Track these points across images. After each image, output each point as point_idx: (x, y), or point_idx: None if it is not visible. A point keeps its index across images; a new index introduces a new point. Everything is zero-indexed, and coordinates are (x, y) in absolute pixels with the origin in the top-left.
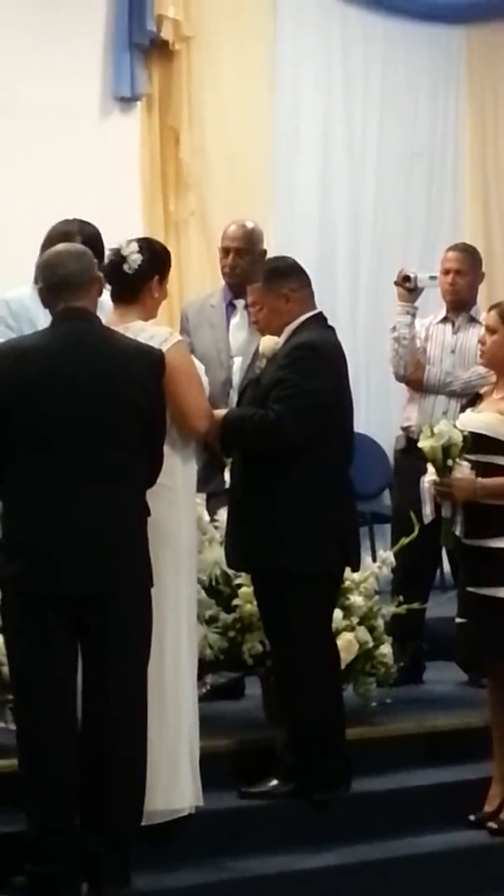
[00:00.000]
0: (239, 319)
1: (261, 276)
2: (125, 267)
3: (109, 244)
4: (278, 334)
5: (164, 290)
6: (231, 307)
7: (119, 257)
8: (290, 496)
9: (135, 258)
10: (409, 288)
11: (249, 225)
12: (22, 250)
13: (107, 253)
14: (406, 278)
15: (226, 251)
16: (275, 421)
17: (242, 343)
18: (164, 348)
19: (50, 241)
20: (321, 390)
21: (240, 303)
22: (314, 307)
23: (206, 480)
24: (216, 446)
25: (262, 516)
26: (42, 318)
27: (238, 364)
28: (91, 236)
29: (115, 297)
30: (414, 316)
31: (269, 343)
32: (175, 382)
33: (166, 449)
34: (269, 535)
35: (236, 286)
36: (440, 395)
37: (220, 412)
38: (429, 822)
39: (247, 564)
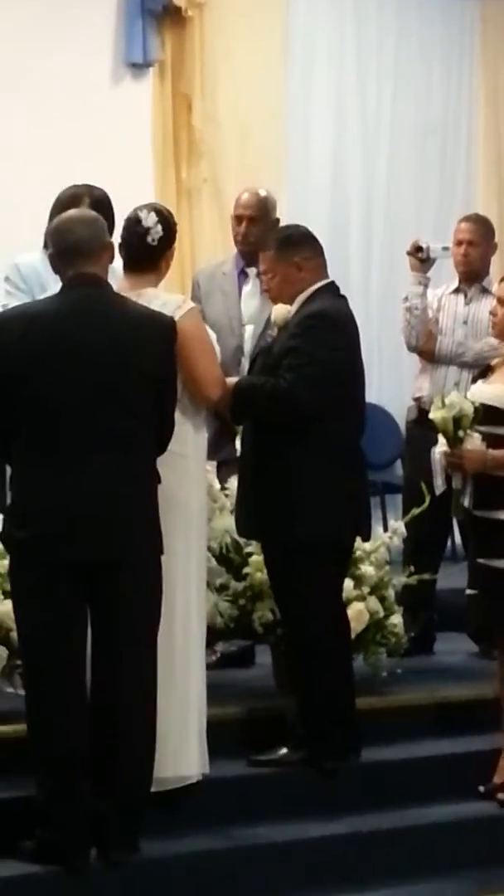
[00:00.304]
0: (251, 287)
1: (273, 243)
2: (149, 239)
3: (121, 211)
4: (290, 303)
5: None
6: (243, 275)
7: (143, 228)
8: (302, 465)
9: (157, 230)
10: (421, 258)
11: (263, 193)
12: (35, 218)
13: (124, 222)
14: (418, 249)
15: (238, 219)
16: (286, 389)
17: (254, 311)
18: (178, 315)
19: (59, 206)
20: (333, 360)
21: (252, 271)
22: (326, 276)
23: (217, 448)
24: (225, 413)
25: (273, 485)
26: (52, 283)
27: (250, 332)
28: (99, 201)
29: (131, 266)
30: (426, 286)
31: (280, 311)
32: (188, 350)
33: (178, 416)
34: (280, 504)
35: (248, 254)
36: (452, 366)
37: (232, 380)
38: (438, 793)
39: (257, 533)
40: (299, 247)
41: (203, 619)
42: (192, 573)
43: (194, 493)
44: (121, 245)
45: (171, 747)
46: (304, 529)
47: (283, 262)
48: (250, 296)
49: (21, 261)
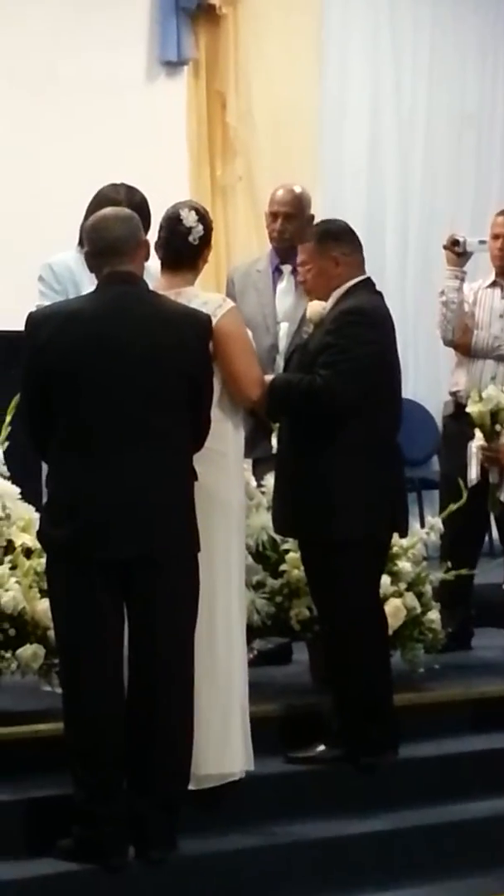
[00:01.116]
0: (285, 284)
1: (313, 236)
2: (190, 238)
3: (156, 209)
4: (324, 297)
5: None
6: (277, 272)
7: (184, 228)
8: (339, 462)
9: (199, 229)
10: (457, 252)
11: (298, 189)
12: (69, 218)
13: (164, 221)
14: (455, 242)
15: (274, 216)
16: (322, 386)
17: (289, 308)
18: (218, 314)
19: (96, 205)
20: (369, 356)
21: (286, 268)
22: (364, 273)
23: (253, 446)
24: (263, 412)
25: (310, 482)
26: (87, 282)
27: (284, 329)
28: (138, 205)
29: (170, 265)
30: (462, 280)
31: (316, 308)
32: (228, 349)
33: (219, 414)
34: (317, 501)
35: (284, 251)
36: (488, 360)
37: (268, 377)
38: (476, 789)
39: (294, 530)
40: (339, 241)
41: (244, 617)
42: (232, 570)
43: (234, 491)
44: (158, 243)
45: (213, 745)
46: (341, 526)
47: (321, 256)
48: (285, 293)
49: (54, 261)
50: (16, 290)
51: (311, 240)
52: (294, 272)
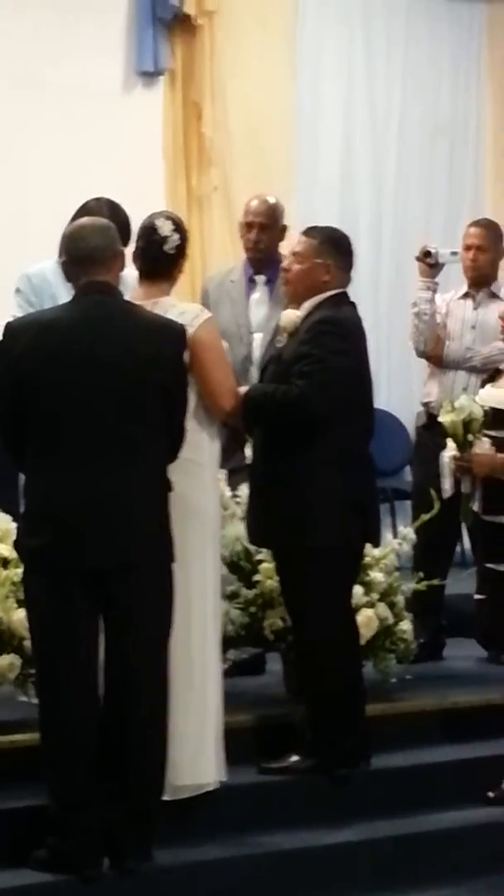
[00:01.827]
0: (259, 295)
1: (319, 235)
2: (166, 248)
3: (133, 219)
4: (299, 297)
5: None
6: (251, 282)
7: (160, 237)
8: (312, 472)
9: (175, 238)
10: (429, 263)
11: (272, 200)
12: (46, 227)
13: (139, 230)
14: (427, 254)
15: (248, 226)
16: (298, 396)
17: (263, 319)
18: (196, 325)
19: (77, 217)
20: (343, 366)
21: (260, 278)
22: (344, 288)
23: (227, 456)
24: (237, 422)
25: (283, 492)
26: (63, 293)
27: (259, 340)
28: (121, 223)
29: (147, 274)
30: (435, 291)
31: (289, 317)
32: (204, 360)
33: (194, 425)
34: (290, 511)
35: (258, 261)
36: (460, 371)
37: (243, 389)
38: (448, 799)
39: (268, 540)
40: (338, 252)
41: (219, 627)
42: (208, 580)
43: (210, 501)
44: (135, 253)
45: (188, 755)
46: (315, 535)
47: (318, 256)
48: (259, 303)
49: (32, 272)
50: None
51: (315, 238)
52: (268, 283)
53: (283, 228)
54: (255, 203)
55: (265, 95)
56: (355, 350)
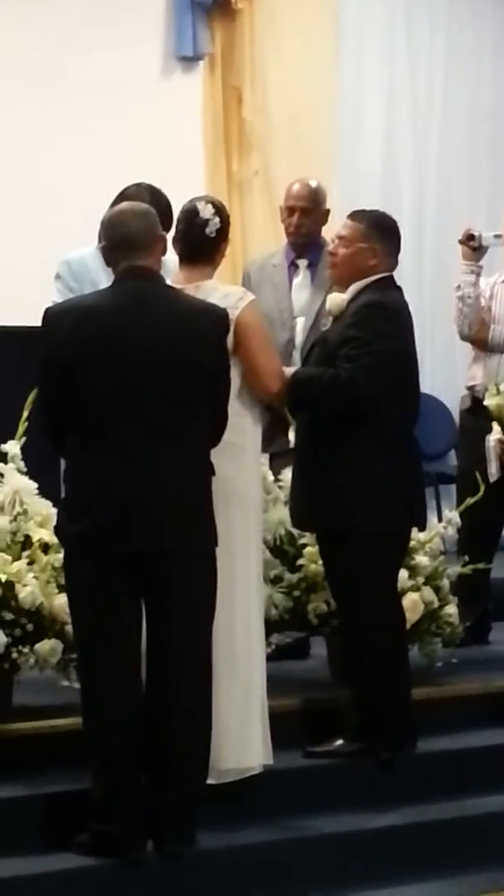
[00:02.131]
0: (301, 279)
1: (365, 219)
2: (207, 231)
3: (173, 205)
4: (346, 280)
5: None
6: (293, 267)
7: (202, 221)
8: (357, 456)
9: (216, 222)
10: (473, 247)
11: (314, 184)
12: (86, 214)
13: (180, 214)
14: (470, 237)
15: (290, 210)
16: (346, 380)
17: (305, 303)
18: (240, 307)
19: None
20: (390, 350)
21: (302, 262)
22: (390, 272)
23: (270, 440)
24: (281, 406)
25: (328, 476)
26: (104, 279)
27: (301, 324)
28: (162, 208)
29: (189, 258)
30: (478, 275)
31: (336, 300)
32: (249, 342)
33: (238, 408)
34: (335, 495)
35: (299, 245)
36: None
37: (289, 371)
38: (494, 782)
39: (313, 524)
40: (385, 236)
41: (262, 610)
42: (251, 564)
43: (252, 485)
44: (176, 237)
45: (233, 739)
46: (360, 520)
47: (365, 240)
48: (301, 287)
49: (72, 257)
50: (32, 285)
51: (362, 222)
52: (310, 266)
53: (326, 212)
54: (297, 187)
55: (306, 80)
56: (402, 334)
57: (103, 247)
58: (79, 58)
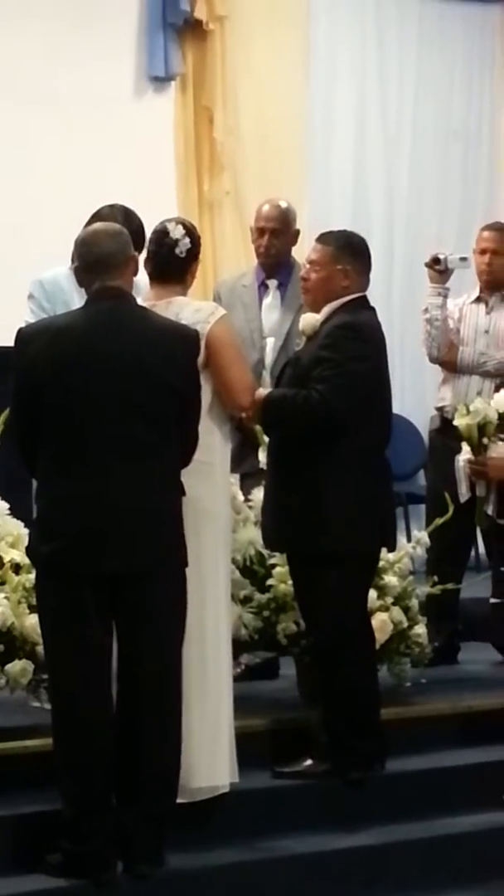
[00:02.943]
0: (271, 300)
1: (333, 240)
2: (177, 251)
3: (145, 224)
4: (319, 303)
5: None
6: (263, 287)
7: (171, 241)
8: (329, 476)
9: (185, 242)
10: (439, 270)
11: (283, 205)
12: (59, 233)
13: (151, 234)
14: (436, 260)
15: (260, 231)
16: (319, 401)
17: (275, 323)
18: (211, 321)
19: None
20: (363, 372)
21: (272, 283)
22: (363, 292)
23: (241, 460)
24: (251, 426)
25: (299, 496)
26: (76, 299)
27: (271, 344)
28: (135, 230)
29: (158, 278)
30: (446, 297)
31: (309, 321)
32: (220, 356)
33: (207, 426)
34: (307, 515)
35: (269, 266)
36: (474, 376)
37: (262, 392)
38: (464, 802)
39: (284, 544)
40: (355, 256)
41: (230, 629)
42: (220, 583)
43: (221, 503)
44: (147, 257)
45: (204, 758)
46: (331, 540)
47: (335, 263)
48: (271, 308)
49: (45, 278)
50: (4, 305)
51: (330, 244)
52: (280, 287)
53: (296, 233)
54: (267, 208)
55: (277, 100)
56: (374, 355)
57: (76, 267)
58: (52, 77)
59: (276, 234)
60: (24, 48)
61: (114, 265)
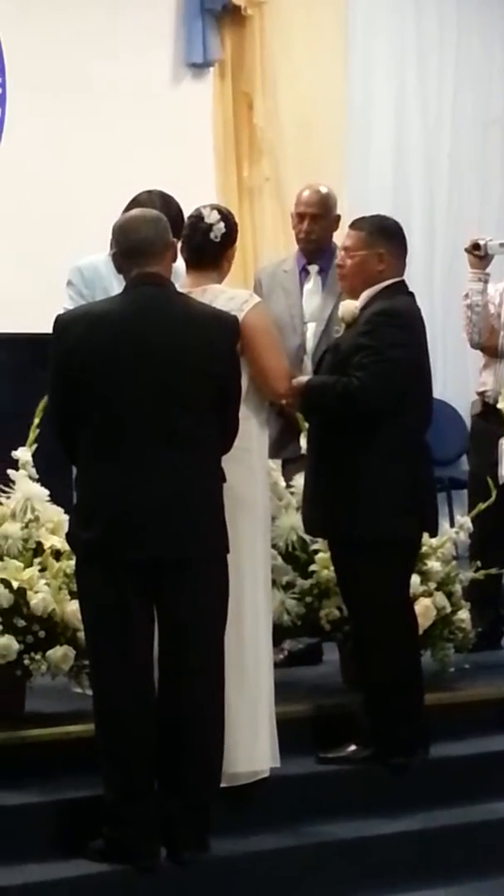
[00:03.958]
0: (312, 285)
1: (366, 225)
2: (211, 235)
3: (185, 211)
4: (357, 289)
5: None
6: (304, 272)
7: (206, 225)
8: (370, 462)
9: (220, 227)
10: (479, 255)
11: (324, 190)
12: (98, 219)
13: (186, 220)
14: (476, 246)
15: (300, 216)
16: (358, 388)
17: (316, 308)
18: (245, 309)
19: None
20: (402, 358)
21: (313, 268)
22: (401, 276)
23: (282, 446)
24: (292, 412)
25: (341, 482)
26: (115, 285)
27: (312, 330)
28: (173, 215)
29: (194, 263)
30: (486, 282)
31: (348, 307)
32: (256, 343)
33: (245, 412)
34: (348, 501)
35: (310, 251)
36: None
37: (301, 379)
38: None
39: (325, 530)
40: (390, 240)
41: (270, 616)
42: (259, 569)
43: (259, 489)
44: (183, 243)
45: (243, 743)
46: (372, 526)
47: (369, 248)
48: (312, 293)
49: (83, 264)
50: (43, 292)
51: (363, 229)
52: (321, 272)
53: (336, 218)
54: (307, 193)
55: (316, 85)
56: (413, 341)
57: (114, 253)
58: (90, 65)
59: (317, 219)
60: (62, 37)
61: (152, 252)
